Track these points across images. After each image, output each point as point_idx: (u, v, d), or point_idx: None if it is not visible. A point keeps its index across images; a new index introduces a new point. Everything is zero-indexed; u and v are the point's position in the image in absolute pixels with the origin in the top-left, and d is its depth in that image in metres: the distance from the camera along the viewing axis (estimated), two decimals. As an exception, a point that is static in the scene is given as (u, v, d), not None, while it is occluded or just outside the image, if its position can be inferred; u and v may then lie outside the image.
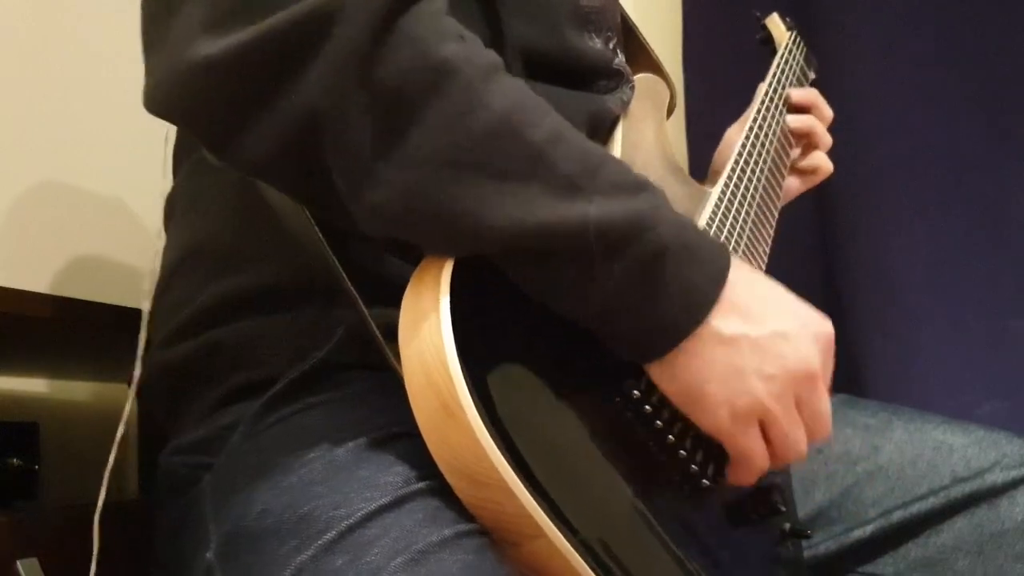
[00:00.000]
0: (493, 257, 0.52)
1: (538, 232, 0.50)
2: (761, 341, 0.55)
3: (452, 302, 0.49)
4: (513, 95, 0.52)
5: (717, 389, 0.55)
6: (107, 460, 0.66)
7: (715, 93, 1.09)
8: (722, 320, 0.54)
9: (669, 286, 0.53)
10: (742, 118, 0.99)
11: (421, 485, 0.52)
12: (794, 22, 1.13)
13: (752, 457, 0.57)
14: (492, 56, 0.54)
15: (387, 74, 0.49)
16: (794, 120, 0.93)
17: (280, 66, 0.49)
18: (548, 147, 0.51)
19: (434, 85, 0.49)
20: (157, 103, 0.52)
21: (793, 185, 0.95)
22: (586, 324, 0.54)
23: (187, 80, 0.50)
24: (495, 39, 0.63)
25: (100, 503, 0.59)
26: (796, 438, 0.58)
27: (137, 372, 0.62)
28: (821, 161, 0.95)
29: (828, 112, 0.97)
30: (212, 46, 0.49)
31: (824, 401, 0.59)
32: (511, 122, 0.51)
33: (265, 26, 0.48)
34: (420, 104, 0.49)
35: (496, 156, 0.50)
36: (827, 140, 0.96)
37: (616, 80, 0.74)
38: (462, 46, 0.51)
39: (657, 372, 0.56)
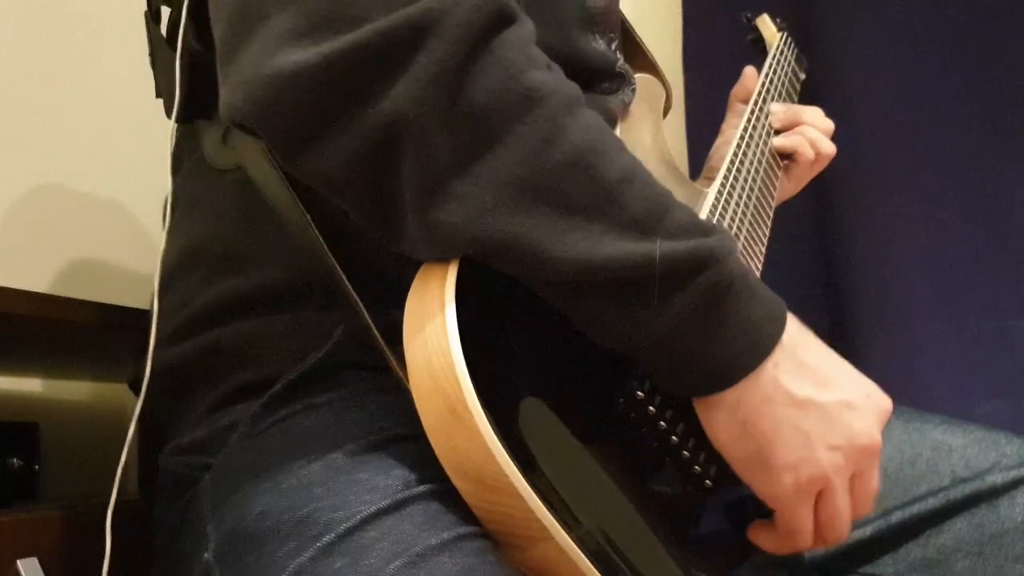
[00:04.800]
0: (552, 288, 0.52)
1: (604, 266, 0.50)
2: (829, 408, 0.54)
3: (458, 305, 0.49)
4: (592, 130, 0.52)
5: (785, 453, 0.54)
6: (107, 460, 0.66)
7: (715, 93, 1.09)
8: (793, 380, 0.53)
9: (732, 321, 0.52)
10: (729, 120, 1.00)
11: (421, 488, 0.52)
12: (791, 22, 1.13)
13: (802, 531, 0.56)
14: (575, 89, 0.54)
15: (475, 92, 0.49)
16: (780, 140, 0.92)
17: (370, 75, 0.49)
18: (620, 186, 0.51)
19: (520, 110, 0.49)
20: (237, 110, 0.51)
21: (786, 186, 0.95)
22: (643, 357, 0.53)
23: (273, 87, 0.49)
24: None
25: (112, 503, 0.59)
26: (844, 517, 0.56)
27: (148, 372, 0.62)
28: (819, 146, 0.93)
29: (821, 124, 0.95)
30: (302, 55, 0.48)
31: (876, 479, 0.58)
32: (587, 157, 0.51)
33: (356, 37, 0.48)
34: (504, 126, 0.49)
35: (569, 189, 0.50)
36: (828, 149, 0.95)
37: (618, 82, 0.74)
38: (549, 75, 0.52)
39: (722, 428, 0.54)
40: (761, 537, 0.59)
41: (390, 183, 0.50)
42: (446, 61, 0.48)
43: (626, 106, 0.75)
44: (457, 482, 0.50)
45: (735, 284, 0.52)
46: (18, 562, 0.63)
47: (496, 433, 0.47)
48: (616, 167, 0.52)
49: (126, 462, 0.60)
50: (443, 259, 0.52)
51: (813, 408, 0.54)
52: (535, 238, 0.49)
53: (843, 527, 0.57)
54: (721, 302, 0.52)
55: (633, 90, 0.76)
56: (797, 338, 0.55)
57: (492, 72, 0.49)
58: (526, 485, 0.47)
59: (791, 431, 0.53)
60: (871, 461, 0.57)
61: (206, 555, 0.56)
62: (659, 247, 0.50)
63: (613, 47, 0.75)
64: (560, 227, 0.50)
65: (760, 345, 0.53)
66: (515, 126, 0.49)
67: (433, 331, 0.49)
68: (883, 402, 0.58)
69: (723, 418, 0.54)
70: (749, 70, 1.00)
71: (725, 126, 1.01)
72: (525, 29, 0.52)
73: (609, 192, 0.51)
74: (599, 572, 0.48)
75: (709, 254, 0.51)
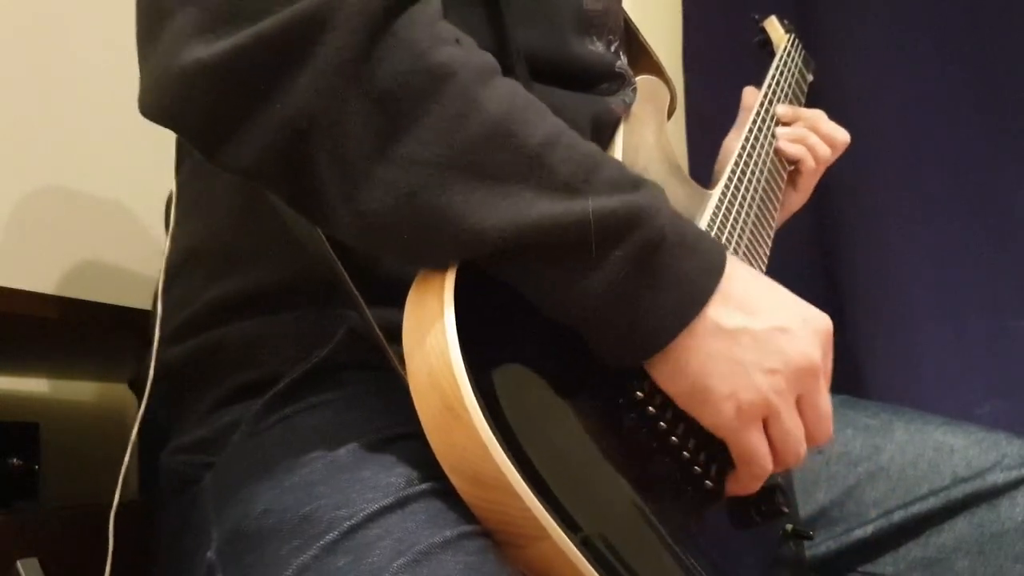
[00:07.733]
0: (491, 261, 0.52)
1: (538, 226, 0.50)
2: (761, 335, 0.55)
3: (456, 303, 0.49)
4: (509, 99, 0.52)
5: (720, 384, 0.54)
6: (107, 460, 0.66)
7: (715, 93, 1.09)
8: (722, 312, 0.54)
9: (666, 276, 0.52)
10: (740, 121, 1.00)
11: (423, 486, 0.52)
12: (794, 22, 1.13)
13: (756, 457, 0.57)
14: (488, 59, 0.54)
15: (383, 78, 0.49)
16: (782, 146, 0.92)
17: (272, 71, 0.49)
18: (544, 151, 0.51)
19: (431, 89, 0.49)
20: (150, 107, 0.52)
21: (793, 197, 0.95)
22: (585, 324, 0.54)
23: (179, 84, 0.50)
24: (501, 45, 0.63)
25: (115, 505, 0.59)
26: (797, 437, 0.57)
27: (151, 374, 0.62)
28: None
29: (823, 128, 0.95)
30: (204, 50, 0.49)
31: (826, 400, 0.58)
32: (507, 126, 0.51)
33: (256, 30, 0.48)
34: (417, 108, 0.49)
35: (493, 160, 0.50)
36: (824, 153, 0.95)
37: (618, 83, 0.74)
38: (458, 49, 0.51)
39: (659, 371, 0.55)
40: (731, 484, 0.60)
41: (311, 176, 0.50)
42: (346, 51, 0.48)
43: (627, 106, 0.75)
44: (455, 481, 0.50)
45: (667, 239, 0.52)
46: (18, 562, 0.63)
47: (493, 431, 0.47)
48: (538, 132, 0.52)
49: (128, 464, 0.60)
50: (375, 245, 0.52)
51: (744, 336, 0.54)
52: (467, 211, 0.49)
53: (798, 448, 0.57)
54: (656, 259, 0.52)
55: (634, 90, 0.76)
56: (732, 279, 0.55)
57: (397, 55, 0.49)
58: (523, 483, 0.47)
59: (724, 361, 0.54)
60: (813, 382, 0.56)
61: (208, 554, 0.56)
62: (591, 204, 0.51)
63: (613, 48, 0.75)
64: (489, 198, 0.50)
65: (693, 300, 0.53)
66: (428, 105, 0.49)
67: (432, 329, 0.49)
68: (820, 323, 0.58)
69: (659, 359, 0.54)
70: (748, 90, 1.00)
71: (734, 133, 1.01)
72: (429, 6, 0.52)
73: (533, 158, 0.51)
74: (596, 571, 0.48)
75: (639, 211, 0.52)
